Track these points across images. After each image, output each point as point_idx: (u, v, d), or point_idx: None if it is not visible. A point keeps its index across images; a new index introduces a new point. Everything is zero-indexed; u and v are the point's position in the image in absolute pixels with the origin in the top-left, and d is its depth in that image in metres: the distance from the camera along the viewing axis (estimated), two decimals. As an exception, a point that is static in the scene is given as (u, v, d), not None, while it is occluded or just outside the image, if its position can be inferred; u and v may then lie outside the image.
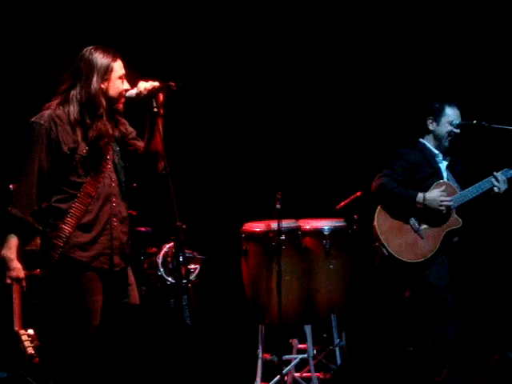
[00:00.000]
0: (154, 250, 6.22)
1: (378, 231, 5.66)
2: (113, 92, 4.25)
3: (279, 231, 5.77)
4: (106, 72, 4.23)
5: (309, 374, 6.02)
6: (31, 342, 4.62)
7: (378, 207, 5.72)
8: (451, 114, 5.75)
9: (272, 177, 6.91)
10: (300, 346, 6.17)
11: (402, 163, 5.71)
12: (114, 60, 4.26)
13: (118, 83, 4.26)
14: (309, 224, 6.09)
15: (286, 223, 5.89)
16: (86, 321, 4.15)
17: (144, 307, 5.91)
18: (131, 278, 4.39)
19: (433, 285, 5.60)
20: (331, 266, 6.04)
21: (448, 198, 5.63)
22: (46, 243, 4.19)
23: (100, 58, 4.23)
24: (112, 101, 4.25)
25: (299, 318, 5.96)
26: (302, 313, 5.96)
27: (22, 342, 4.57)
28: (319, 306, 6.03)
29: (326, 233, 6.03)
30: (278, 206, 5.71)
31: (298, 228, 6.02)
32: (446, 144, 5.77)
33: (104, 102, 4.21)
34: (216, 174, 7.24)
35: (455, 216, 5.68)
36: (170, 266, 5.96)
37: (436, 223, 5.65)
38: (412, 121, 6.04)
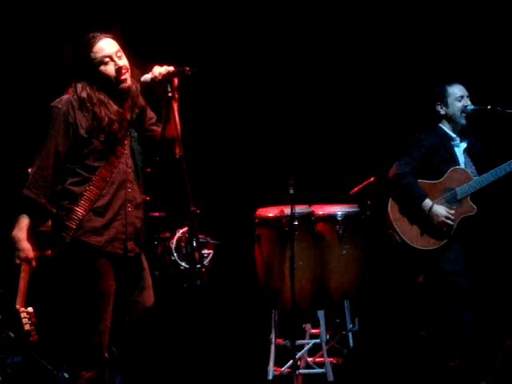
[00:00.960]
0: (168, 234, 6.23)
1: (392, 218, 5.66)
2: (104, 78, 4.24)
3: (292, 216, 5.77)
4: (86, 65, 4.23)
5: (322, 358, 6.02)
6: (29, 319, 4.67)
7: (392, 194, 5.72)
8: (455, 91, 5.76)
9: (285, 162, 6.91)
10: (313, 331, 6.18)
11: (420, 149, 5.71)
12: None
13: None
14: (322, 209, 6.08)
15: (300, 209, 5.89)
16: (99, 304, 4.16)
17: (157, 292, 5.95)
18: (145, 264, 4.40)
19: (447, 271, 5.60)
20: (344, 252, 6.04)
21: (451, 219, 5.60)
22: (59, 224, 4.20)
23: (100, 42, 4.23)
24: (110, 85, 4.25)
25: (312, 303, 5.97)
26: (315, 298, 5.96)
27: (20, 319, 4.63)
28: (332, 291, 6.03)
29: (339, 218, 6.03)
30: (292, 191, 5.71)
31: (312, 213, 6.01)
32: (463, 121, 5.76)
33: (92, 96, 4.21)
34: (230, 159, 7.25)
35: (470, 203, 5.67)
36: (184, 251, 5.97)
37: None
38: (426, 105, 6.02)
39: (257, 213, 6.09)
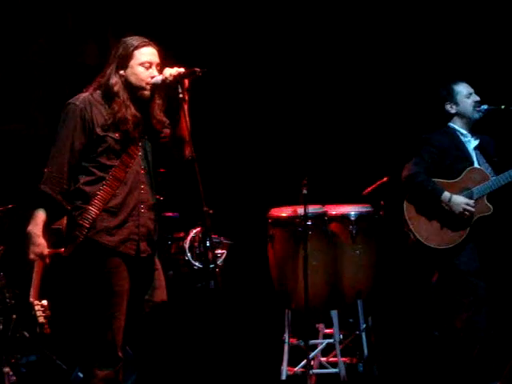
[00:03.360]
0: (182, 234, 6.25)
1: (407, 217, 5.66)
2: (134, 79, 4.28)
3: (306, 216, 5.77)
4: (125, 59, 4.27)
5: (335, 358, 6.02)
6: (43, 311, 4.70)
7: (407, 196, 5.72)
8: (461, 89, 5.76)
9: (298, 162, 6.91)
10: (326, 330, 6.18)
11: (429, 148, 5.70)
12: (138, 47, 4.28)
13: (139, 70, 4.28)
14: (335, 209, 6.09)
15: (313, 209, 5.90)
16: (112, 303, 4.18)
17: (171, 292, 5.96)
18: (158, 264, 4.42)
19: (462, 270, 5.58)
20: (357, 252, 6.04)
21: (471, 206, 5.59)
22: (72, 223, 4.22)
23: (124, 46, 4.29)
24: (134, 88, 4.28)
25: (325, 303, 5.97)
26: (329, 298, 5.97)
27: (34, 311, 4.66)
28: (345, 291, 6.04)
29: (352, 218, 6.03)
30: (305, 191, 5.72)
31: (325, 213, 6.02)
32: (477, 116, 5.75)
33: (117, 88, 4.25)
34: (243, 159, 7.26)
35: (486, 202, 5.65)
36: (197, 251, 5.99)
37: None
38: (434, 105, 6.01)
39: (270, 213, 6.10)
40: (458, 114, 5.79)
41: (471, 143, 5.79)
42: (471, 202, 5.61)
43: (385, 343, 6.26)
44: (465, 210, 5.59)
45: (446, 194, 5.61)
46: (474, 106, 5.74)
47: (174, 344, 6.17)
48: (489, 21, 6.96)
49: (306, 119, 7.23)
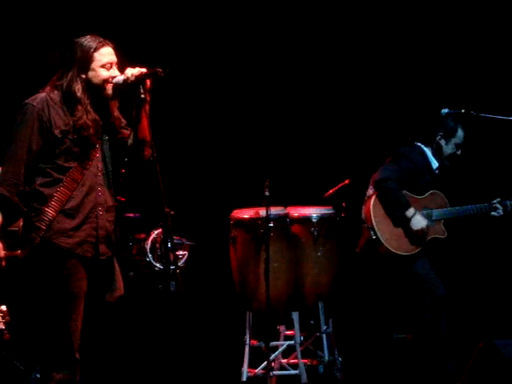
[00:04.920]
0: (143, 236, 6.23)
1: (372, 214, 5.70)
2: (96, 80, 4.24)
3: (268, 218, 5.78)
4: (86, 62, 4.23)
5: (296, 360, 6.04)
6: (2, 317, 4.64)
7: (376, 194, 5.75)
8: (461, 136, 5.81)
9: (261, 164, 6.92)
10: (287, 332, 6.19)
11: (408, 164, 5.75)
12: (97, 49, 4.25)
13: (100, 71, 4.25)
14: (297, 211, 6.10)
15: (275, 210, 5.91)
16: (69, 305, 4.15)
17: (132, 293, 5.94)
18: (116, 266, 4.39)
19: (419, 273, 5.66)
20: (319, 254, 6.06)
21: (425, 231, 5.66)
22: (29, 225, 4.18)
23: (82, 48, 4.24)
24: (97, 89, 4.25)
25: (287, 305, 5.98)
26: (290, 299, 5.98)
27: None
28: (307, 292, 6.06)
29: (314, 220, 6.05)
30: (267, 193, 5.73)
31: (287, 215, 6.03)
32: (447, 163, 5.82)
33: (80, 93, 4.21)
34: (205, 160, 7.25)
35: (443, 227, 5.77)
36: (159, 252, 5.98)
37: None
38: (428, 121, 5.98)
39: (232, 214, 6.10)
40: (438, 149, 5.82)
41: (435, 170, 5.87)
42: (426, 227, 5.67)
43: (345, 345, 6.28)
44: (420, 230, 5.66)
45: (411, 210, 5.68)
46: (452, 156, 5.78)
47: (134, 345, 6.14)
48: (471, 29, 7.01)
49: (268, 121, 7.23)
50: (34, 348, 5.43)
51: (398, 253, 5.68)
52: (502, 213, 5.80)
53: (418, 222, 5.67)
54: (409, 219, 5.66)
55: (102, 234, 4.25)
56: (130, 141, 4.34)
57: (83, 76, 4.23)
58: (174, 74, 4.24)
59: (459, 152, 5.83)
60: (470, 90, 6.84)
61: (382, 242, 5.67)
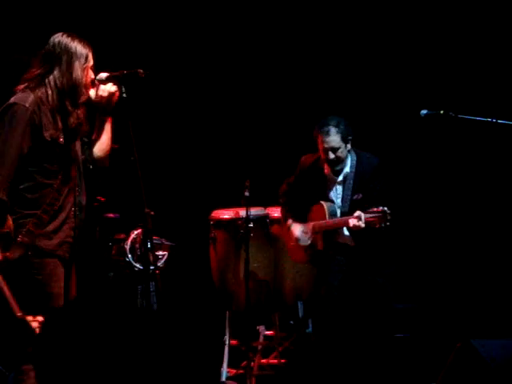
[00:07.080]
0: (123, 236, 6.22)
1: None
2: (81, 82, 4.23)
3: (247, 219, 5.80)
4: (86, 61, 4.23)
5: (275, 360, 6.06)
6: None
7: None
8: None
9: (241, 164, 6.93)
10: (267, 332, 6.22)
11: (299, 173, 5.78)
12: (90, 50, 4.26)
13: (90, 73, 4.27)
14: (277, 212, 6.12)
15: (255, 211, 5.93)
16: (51, 305, 4.15)
17: (112, 293, 5.93)
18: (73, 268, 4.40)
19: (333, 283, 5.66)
20: (299, 254, 6.08)
21: (303, 240, 5.67)
22: (15, 227, 4.17)
23: (80, 47, 4.22)
24: (81, 90, 4.25)
25: (266, 305, 6.00)
26: (269, 300, 6.00)
27: (29, 325, 4.56)
28: (286, 293, 6.08)
29: (293, 221, 6.06)
30: (247, 193, 5.74)
31: (267, 216, 6.05)
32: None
33: (66, 99, 4.19)
34: (185, 161, 7.25)
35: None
36: (138, 253, 5.97)
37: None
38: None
39: (212, 214, 6.12)
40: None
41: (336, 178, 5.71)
42: (307, 237, 5.65)
43: (325, 345, 6.30)
44: (297, 239, 5.67)
45: (290, 221, 5.71)
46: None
47: (113, 345, 6.13)
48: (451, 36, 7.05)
49: (248, 122, 7.24)
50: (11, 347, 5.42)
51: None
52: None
53: (295, 231, 5.72)
54: (288, 229, 5.76)
55: (77, 234, 4.25)
56: (93, 149, 4.36)
57: (68, 76, 4.21)
58: (154, 74, 4.25)
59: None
60: (449, 91, 6.87)
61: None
